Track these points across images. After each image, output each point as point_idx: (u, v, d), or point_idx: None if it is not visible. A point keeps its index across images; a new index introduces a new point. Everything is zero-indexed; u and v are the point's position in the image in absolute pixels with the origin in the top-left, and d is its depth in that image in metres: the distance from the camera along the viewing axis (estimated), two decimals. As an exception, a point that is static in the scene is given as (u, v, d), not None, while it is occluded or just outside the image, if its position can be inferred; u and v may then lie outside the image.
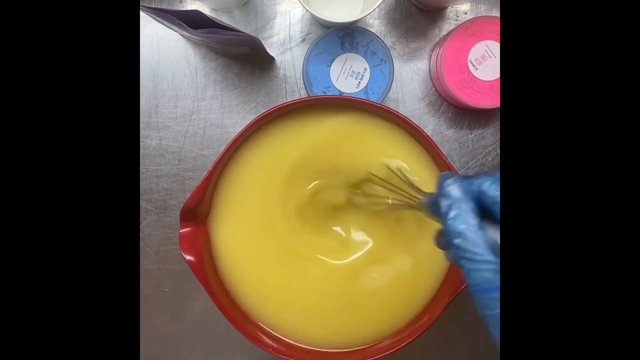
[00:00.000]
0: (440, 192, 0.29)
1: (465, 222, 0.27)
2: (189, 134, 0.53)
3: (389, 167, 0.42)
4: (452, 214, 0.27)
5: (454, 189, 0.28)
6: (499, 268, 0.25)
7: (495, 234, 0.27)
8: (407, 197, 0.37)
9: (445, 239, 0.29)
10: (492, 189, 0.28)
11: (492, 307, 0.25)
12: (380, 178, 0.41)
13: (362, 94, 0.49)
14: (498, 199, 0.27)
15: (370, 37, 0.49)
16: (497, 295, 0.25)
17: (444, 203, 0.28)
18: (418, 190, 0.36)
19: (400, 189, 0.38)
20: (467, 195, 0.28)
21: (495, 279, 0.25)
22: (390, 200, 0.41)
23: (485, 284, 0.26)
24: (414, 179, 0.41)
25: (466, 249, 0.26)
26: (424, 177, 0.42)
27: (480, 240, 0.26)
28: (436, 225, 0.31)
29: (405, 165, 0.43)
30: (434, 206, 0.32)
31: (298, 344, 0.42)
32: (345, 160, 0.43)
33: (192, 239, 0.40)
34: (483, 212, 0.28)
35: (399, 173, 0.41)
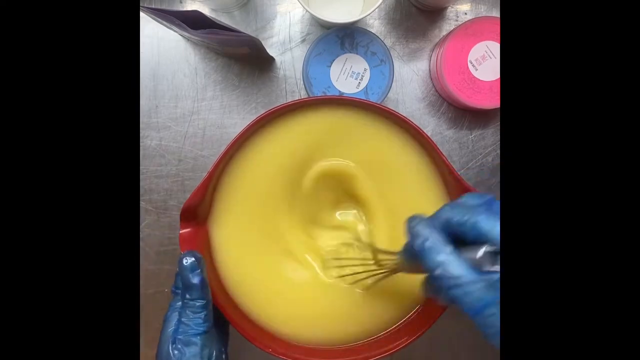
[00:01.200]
0: (411, 236, 0.30)
1: (440, 251, 0.27)
2: (189, 134, 0.53)
3: (350, 245, 0.43)
4: (426, 248, 0.28)
5: (421, 227, 0.29)
6: (486, 284, 0.26)
7: (471, 254, 0.27)
8: (383, 265, 0.38)
9: (431, 285, 0.29)
10: (451, 213, 0.29)
11: (492, 325, 0.25)
12: (351, 258, 0.42)
13: (362, 94, 0.49)
14: (461, 219, 0.28)
15: (370, 37, 0.49)
16: (493, 311, 0.25)
17: (417, 242, 0.29)
18: (389, 252, 0.37)
19: (372, 261, 0.39)
20: (435, 229, 0.29)
21: (486, 295, 0.26)
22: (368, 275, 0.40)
23: (478, 303, 0.26)
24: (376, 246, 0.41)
25: (449, 277, 0.27)
26: (424, 179, 0.42)
27: (460, 264, 0.27)
28: None
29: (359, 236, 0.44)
30: (410, 254, 0.32)
31: (298, 344, 0.42)
32: (348, 162, 0.43)
33: (192, 239, 0.40)
34: (454, 239, 0.28)
35: (362, 246, 0.41)
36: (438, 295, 0.32)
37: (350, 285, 0.42)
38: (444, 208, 0.29)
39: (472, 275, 0.26)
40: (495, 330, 0.25)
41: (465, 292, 0.26)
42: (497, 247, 0.26)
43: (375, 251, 0.38)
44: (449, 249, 0.27)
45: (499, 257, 0.26)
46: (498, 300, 0.25)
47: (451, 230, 0.28)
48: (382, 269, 0.38)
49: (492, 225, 0.26)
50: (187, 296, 0.35)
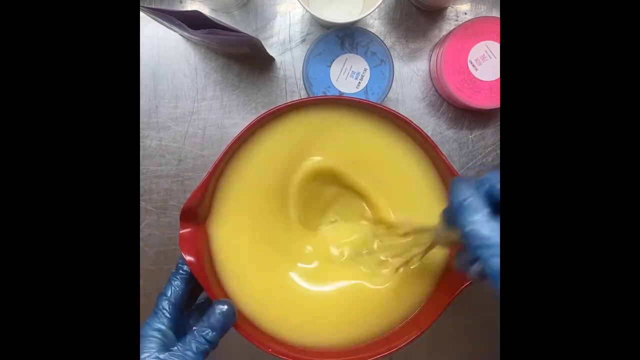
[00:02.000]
0: (452, 194, 0.29)
1: (477, 211, 0.27)
2: (189, 134, 0.53)
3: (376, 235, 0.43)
4: (464, 206, 0.28)
5: (464, 187, 0.29)
6: None
7: None
8: (419, 243, 0.39)
9: (463, 255, 0.29)
10: (499, 180, 0.28)
11: None
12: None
13: (362, 94, 0.49)
14: None
15: (370, 37, 0.49)
16: None
17: (456, 200, 0.28)
18: (424, 228, 0.37)
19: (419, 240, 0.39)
20: (477, 191, 0.29)
21: None
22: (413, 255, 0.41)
23: None
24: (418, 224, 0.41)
25: (480, 237, 0.27)
26: (424, 179, 0.42)
27: (492, 226, 0.27)
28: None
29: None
30: (448, 216, 0.33)
31: (297, 345, 0.42)
32: (345, 161, 0.43)
33: (192, 239, 0.39)
34: (494, 206, 0.28)
35: (394, 230, 0.42)
36: (468, 268, 0.32)
37: (391, 272, 0.42)
38: (491, 174, 0.29)
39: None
40: None
41: (491, 254, 0.26)
42: None
43: (413, 230, 0.39)
44: (485, 210, 0.27)
45: None
46: None
47: (493, 197, 0.28)
48: (420, 248, 0.39)
49: None
50: (209, 332, 0.35)
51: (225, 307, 0.36)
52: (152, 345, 0.34)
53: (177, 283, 0.37)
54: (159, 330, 0.35)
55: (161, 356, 0.33)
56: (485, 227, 0.27)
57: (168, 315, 0.36)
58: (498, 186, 0.28)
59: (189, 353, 0.34)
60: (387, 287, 0.42)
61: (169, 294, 0.37)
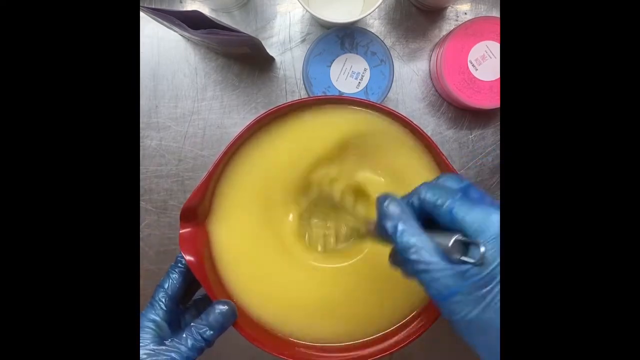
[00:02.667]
0: (382, 215, 0.30)
1: (413, 235, 0.28)
2: (189, 134, 0.53)
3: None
4: (399, 231, 0.28)
5: (393, 208, 0.29)
6: (454, 272, 0.26)
7: (442, 240, 0.27)
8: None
9: (399, 257, 0.30)
10: (428, 195, 0.29)
11: (457, 312, 0.26)
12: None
13: (362, 94, 0.49)
14: (437, 202, 0.28)
15: (370, 37, 0.49)
16: (459, 298, 0.26)
17: (389, 224, 0.29)
18: (366, 220, 0.38)
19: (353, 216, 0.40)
20: (407, 209, 0.29)
21: (454, 283, 0.26)
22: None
23: (445, 290, 0.26)
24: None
25: (421, 261, 0.27)
26: (425, 178, 0.42)
27: (431, 250, 0.27)
28: None
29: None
30: (381, 230, 0.33)
31: (299, 342, 0.42)
32: (344, 161, 0.43)
33: (192, 239, 0.40)
34: (427, 220, 0.29)
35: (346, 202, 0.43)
36: (401, 267, 0.32)
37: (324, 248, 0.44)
38: (421, 188, 0.29)
39: (442, 263, 0.27)
40: (459, 317, 0.26)
41: (433, 279, 0.27)
42: (469, 237, 0.26)
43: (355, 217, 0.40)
44: (422, 232, 0.28)
45: (469, 247, 0.27)
46: (464, 289, 0.26)
47: (424, 211, 0.29)
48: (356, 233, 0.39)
49: (466, 214, 0.27)
50: (206, 330, 0.35)
51: (226, 307, 0.36)
52: (147, 336, 0.34)
53: (174, 276, 0.37)
54: (153, 321, 0.35)
55: (155, 348, 0.33)
56: (425, 252, 0.27)
57: (164, 307, 0.36)
58: (430, 201, 0.28)
59: (184, 348, 0.34)
60: (387, 287, 0.42)
61: (166, 286, 0.37)
